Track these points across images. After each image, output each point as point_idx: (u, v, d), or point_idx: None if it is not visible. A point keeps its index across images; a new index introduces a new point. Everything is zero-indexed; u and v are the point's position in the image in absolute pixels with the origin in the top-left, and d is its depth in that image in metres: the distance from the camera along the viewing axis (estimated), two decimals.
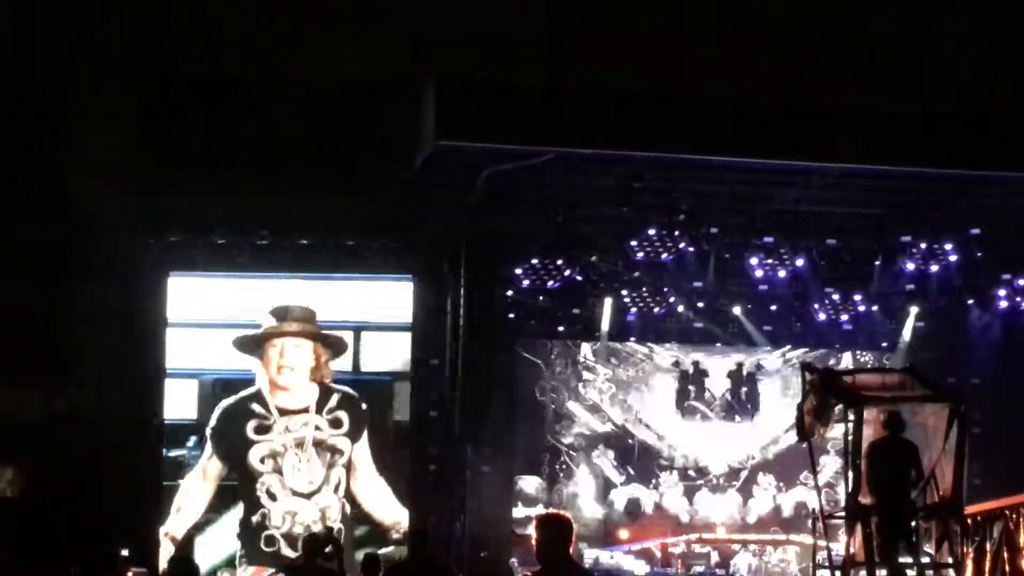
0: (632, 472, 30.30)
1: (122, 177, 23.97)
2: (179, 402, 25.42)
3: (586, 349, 30.34)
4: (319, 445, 25.36)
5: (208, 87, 24.09)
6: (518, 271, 28.06)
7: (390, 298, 26.04)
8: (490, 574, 25.22)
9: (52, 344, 24.13)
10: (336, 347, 25.57)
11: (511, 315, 28.96)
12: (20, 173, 23.42)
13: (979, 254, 28.10)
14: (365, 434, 25.54)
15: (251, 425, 25.23)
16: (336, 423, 25.46)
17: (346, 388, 25.61)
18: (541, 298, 28.89)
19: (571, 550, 9.63)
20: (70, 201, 23.92)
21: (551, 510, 18.34)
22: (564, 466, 30.02)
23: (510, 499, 28.28)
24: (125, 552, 18.56)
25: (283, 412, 25.39)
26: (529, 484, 29.16)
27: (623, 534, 29.05)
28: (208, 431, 25.25)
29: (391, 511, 25.31)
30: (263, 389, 25.34)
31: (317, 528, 24.61)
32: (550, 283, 28.34)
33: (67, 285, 24.19)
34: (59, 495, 22.85)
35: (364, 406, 25.61)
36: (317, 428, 25.38)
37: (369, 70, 23.42)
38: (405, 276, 25.98)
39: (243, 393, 25.39)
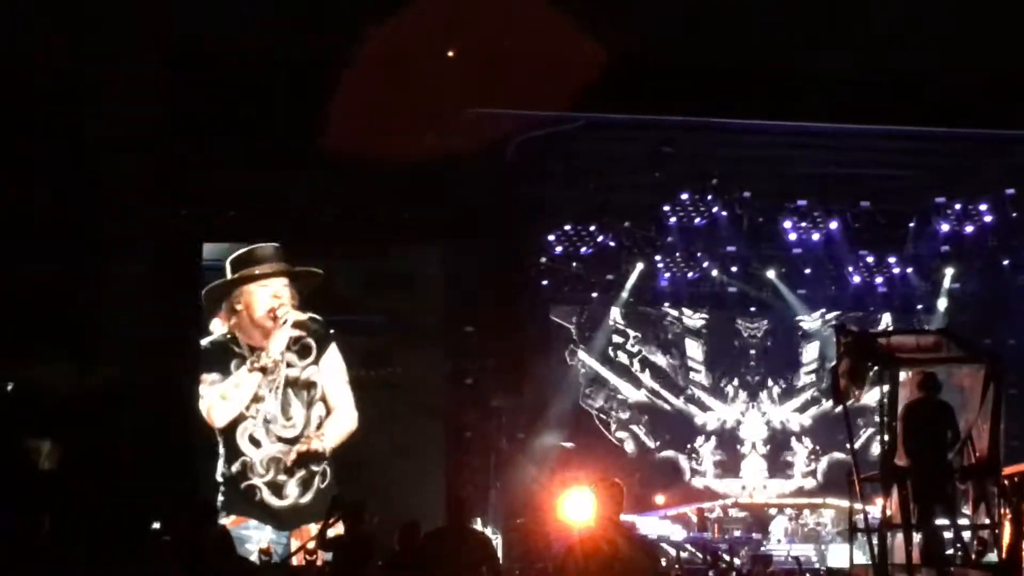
0: (667, 438, 30.28)
1: (152, 150, 23.98)
2: None
3: (615, 313, 30.29)
4: (294, 384, 25.40)
5: (237, 59, 24.06)
6: (551, 238, 28.07)
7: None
8: (525, 541, 25.22)
9: (84, 318, 24.20)
10: (309, 281, 25.60)
11: (544, 282, 28.97)
12: (48, 148, 23.44)
13: (1014, 214, 27.96)
14: (331, 351, 25.62)
15: (233, 364, 25.36)
16: (304, 351, 25.50)
17: (307, 315, 25.60)
18: (574, 264, 28.88)
19: (620, 514, 9.70)
20: (99, 175, 23.94)
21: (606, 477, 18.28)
22: (596, 431, 30.03)
23: (545, 465, 28.26)
24: (157, 525, 18.63)
25: (255, 351, 25.45)
26: (565, 450, 29.14)
27: (659, 499, 29.03)
28: None
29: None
30: (237, 331, 25.40)
31: (300, 473, 25.00)
32: (583, 249, 28.35)
33: (97, 259, 24.23)
34: (94, 468, 22.92)
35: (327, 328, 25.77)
36: (289, 365, 25.39)
37: (397, 39, 23.33)
38: (437, 244, 26.08)
39: (220, 331, 25.40)
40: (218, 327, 25.37)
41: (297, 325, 25.40)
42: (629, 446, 30.20)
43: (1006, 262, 29.33)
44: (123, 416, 23.64)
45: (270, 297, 25.26)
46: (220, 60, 23.90)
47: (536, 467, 27.32)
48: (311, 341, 25.50)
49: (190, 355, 25.39)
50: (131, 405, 23.90)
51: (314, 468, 25.27)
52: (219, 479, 25.10)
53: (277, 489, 24.95)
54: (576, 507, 11.02)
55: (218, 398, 25.14)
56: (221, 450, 25.16)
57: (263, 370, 25.18)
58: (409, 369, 25.99)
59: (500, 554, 22.44)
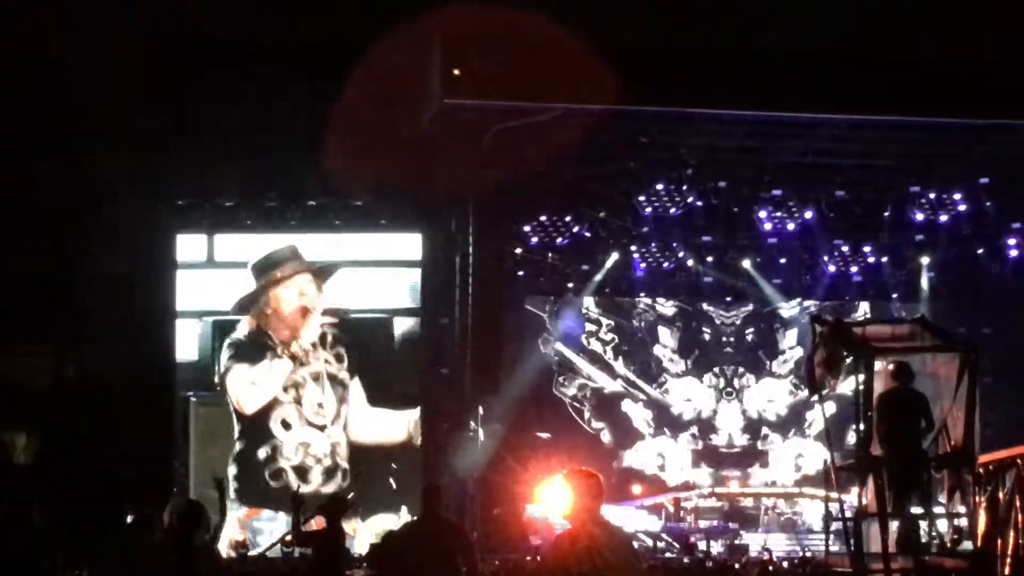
0: (645, 427, 30.29)
1: (129, 141, 23.93)
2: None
3: (589, 301, 30.32)
4: (331, 379, 25.84)
5: (214, 49, 24.01)
6: (526, 228, 28.09)
7: (399, 256, 26.36)
8: (503, 531, 25.20)
9: (61, 309, 24.15)
10: (329, 273, 25.98)
11: (520, 272, 28.97)
12: (27, 138, 23.38)
13: (988, 203, 28.04)
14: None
15: (269, 355, 25.63)
16: (339, 358, 25.90)
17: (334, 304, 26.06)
18: (550, 255, 28.88)
19: (598, 506, 9.57)
20: (77, 165, 23.88)
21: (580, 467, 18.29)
22: (570, 420, 30.05)
23: (522, 455, 28.25)
24: (130, 518, 18.54)
25: (289, 347, 25.75)
26: (541, 440, 29.12)
27: (635, 489, 29.03)
28: (222, 364, 25.65)
29: (392, 431, 26.04)
30: (267, 328, 25.73)
31: (327, 463, 25.42)
32: (559, 240, 28.39)
33: (75, 250, 24.19)
34: (72, 460, 22.88)
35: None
36: (327, 362, 25.87)
37: (375, 28, 23.30)
38: (414, 235, 26.13)
39: (246, 330, 25.77)
40: (244, 328, 25.77)
41: (327, 312, 25.90)
42: (605, 436, 30.20)
43: (980, 251, 29.40)
44: (100, 407, 23.62)
45: (296, 295, 25.82)
46: (196, 49, 23.87)
47: (512, 457, 27.31)
48: (343, 350, 26.06)
49: (168, 346, 25.42)
50: (107, 397, 23.87)
51: (339, 460, 25.65)
52: (233, 469, 25.39)
53: (303, 473, 25.39)
54: (551, 498, 10.94)
55: (247, 384, 25.62)
56: (244, 436, 25.61)
57: (293, 357, 25.64)
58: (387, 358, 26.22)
59: (476, 544, 22.42)
